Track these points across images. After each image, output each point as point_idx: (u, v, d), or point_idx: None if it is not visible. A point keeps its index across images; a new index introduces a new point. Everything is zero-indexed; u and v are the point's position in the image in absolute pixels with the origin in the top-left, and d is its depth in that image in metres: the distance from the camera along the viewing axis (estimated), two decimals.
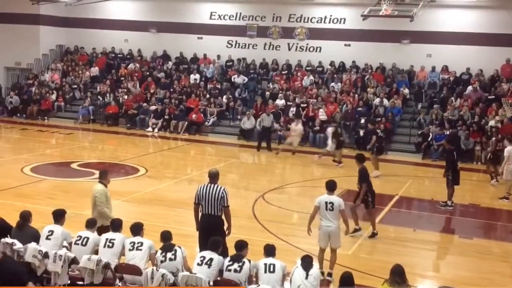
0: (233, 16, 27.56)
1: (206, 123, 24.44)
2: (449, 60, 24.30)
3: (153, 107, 24.97)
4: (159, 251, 7.43)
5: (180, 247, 7.44)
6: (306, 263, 7.10)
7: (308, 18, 26.47)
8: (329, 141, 18.88)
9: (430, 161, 20.46)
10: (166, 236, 7.59)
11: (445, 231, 12.91)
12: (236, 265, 7.12)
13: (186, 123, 24.03)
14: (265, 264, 7.12)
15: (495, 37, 23.36)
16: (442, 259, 11.19)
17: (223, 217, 8.48)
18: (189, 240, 8.98)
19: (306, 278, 6.91)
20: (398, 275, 6.63)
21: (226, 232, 8.49)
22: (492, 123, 20.64)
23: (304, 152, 21.20)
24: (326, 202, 8.90)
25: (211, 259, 7.18)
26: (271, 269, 7.07)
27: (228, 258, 7.29)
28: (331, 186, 9.10)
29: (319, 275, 7.17)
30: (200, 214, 8.55)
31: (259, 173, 18.16)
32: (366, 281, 8.63)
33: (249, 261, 7.22)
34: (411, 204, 15.12)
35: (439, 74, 24.56)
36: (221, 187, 8.47)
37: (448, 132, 20.19)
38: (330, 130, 19.19)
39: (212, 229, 8.22)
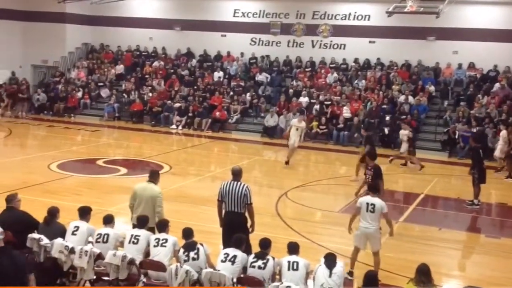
0: (256, 14, 27.56)
1: (230, 120, 24.49)
2: (475, 57, 23.94)
3: (177, 105, 25.10)
4: (181, 250, 7.46)
5: (202, 245, 7.46)
6: (330, 261, 7.06)
7: (332, 15, 26.33)
8: (404, 145, 17.96)
9: (456, 159, 20.19)
10: (187, 233, 7.63)
11: (471, 230, 12.75)
12: (260, 262, 7.14)
13: (210, 120, 24.11)
14: (289, 262, 7.12)
15: None
16: (468, 258, 11.04)
17: (246, 214, 8.50)
18: (213, 237, 9.01)
19: (330, 276, 6.89)
20: (424, 274, 6.57)
21: (250, 230, 8.51)
22: None
23: (328, 150, 21.12)
24: (367, 203, 8.76)
25: (234, 256, 7.20)
26: (295, 267, 7.06)
27: (253, 255, 7.31)
28: (374, 188, 9.05)
29: (342, 273, 7.11)
30: (223, 211, 8.59)
31: (282, 171, 18.11)
32: (391, 281, 8.57)
33: (273, 258, 7.23)
34: (436, 202, 14.92)
35: (465, 71, 24.21)
36: (244, 185, 8.48)
37: (475, 130, 19.87)
38: (405, 132, 18.16)
39: (235, 226, 8.23)
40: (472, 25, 23.85)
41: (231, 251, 7.29)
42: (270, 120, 23.29)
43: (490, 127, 20.32)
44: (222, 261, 7.20)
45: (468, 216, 13.31)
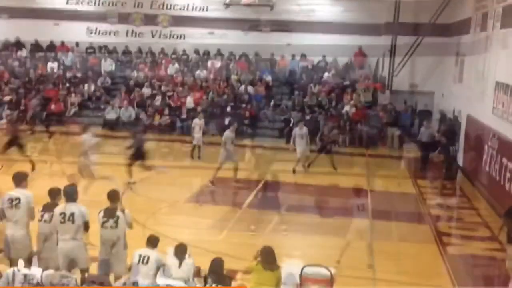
0: (91, 1, 26.48)
1: (67, 113, 23.36)
2: (306, 48, 25.33)
3: (7, 98, 23.36)
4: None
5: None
6: (179, 252, 7.16)
7: (171, 5, 26.21)
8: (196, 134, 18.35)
9: (292, 145, 21.26)
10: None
11: (308, 212, 13.51)
12: (111, 222, 7.32)
13: (45, 113, 22.82)
14: (140, 256, 7.11)
15: (348, 26, 24.67)
16: (305, 239, 11.67)
17: None
18: None
19: (180, 267, 7.00)
20: (268, 255, 7.06)
21: None
22: (347, 108, 22.10)
23: (172, 141, 21.13)
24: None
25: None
26: (145, 261, 7.07)
27: (102, 214, 7.40)
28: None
29: (192, 263, 7.24)
30: None
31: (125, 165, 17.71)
32: (239, 265, 8.89)
33: (123, 211, 7.43)
34: (276, 187, 15.64)
35: (298, 62, 25.61)
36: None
37: (308, 117, 21.15)
38: (198, 122, 18.56)
39: None
40: (302, 18, 25.12)
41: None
42: (111, 113, 22.64)
43: (322, 114, 21.78)
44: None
45: (303, 198, 14.16)
